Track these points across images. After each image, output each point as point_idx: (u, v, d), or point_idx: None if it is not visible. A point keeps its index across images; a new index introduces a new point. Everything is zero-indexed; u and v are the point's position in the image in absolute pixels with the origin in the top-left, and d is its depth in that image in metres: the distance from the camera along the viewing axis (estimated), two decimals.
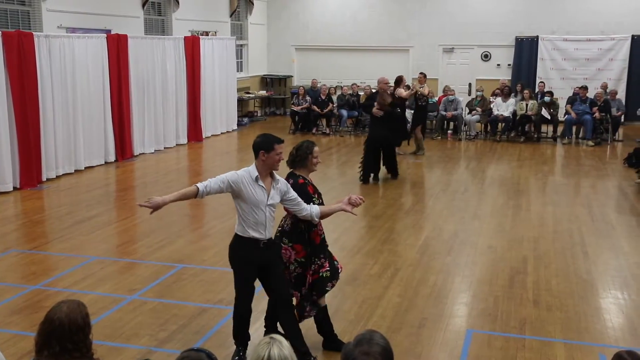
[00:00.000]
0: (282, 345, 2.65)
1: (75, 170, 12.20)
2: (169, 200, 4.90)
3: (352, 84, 18.51)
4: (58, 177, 11.73)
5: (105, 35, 12.99)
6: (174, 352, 5.23)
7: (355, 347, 2.61)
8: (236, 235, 5.00)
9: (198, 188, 4.90)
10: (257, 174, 4.92)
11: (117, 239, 8.45)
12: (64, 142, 11.94)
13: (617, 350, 3.19)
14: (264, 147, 4.94)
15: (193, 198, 5.02)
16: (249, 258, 4.94)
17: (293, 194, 5.01)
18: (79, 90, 12.24)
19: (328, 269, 5.23)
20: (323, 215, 5.14)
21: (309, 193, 5.19)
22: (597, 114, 15.82)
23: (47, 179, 11.45)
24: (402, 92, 12.20)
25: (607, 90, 16.81)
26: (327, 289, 5.27)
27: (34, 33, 11.19)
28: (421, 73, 15.09)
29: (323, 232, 5.35)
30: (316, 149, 5.31)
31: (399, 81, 12.42)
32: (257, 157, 4.95)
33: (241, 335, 5.15)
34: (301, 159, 5.27)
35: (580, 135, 16.28)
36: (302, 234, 5.20)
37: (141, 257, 7.65)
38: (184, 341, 5.48)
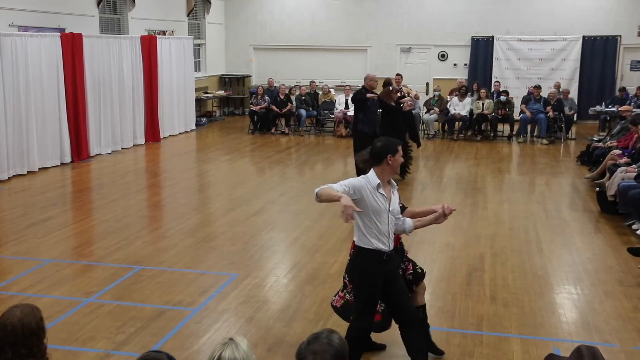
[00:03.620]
0: (238, 349, 2.63)
1: (28, 172, 11.94)
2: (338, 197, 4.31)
3: (311, 82, 18.54)
4: (10, 178, 11.47)
5: (59, 34, 12.75)
6: (132, 355, 5.18)
7: (308, 344, 2.59)
8: (358, 247, 4.62)
9: (337, 191, 4.38)
10: (378, 181, 4.50)
11: (73, 241, 8.30)
12: (16, 143, 11.67)
13: (573, 345, 3.27)
14: (390, 150, 4.52)
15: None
16: (372, 270, 4.58)
17: (397, 203, 4.72)
18: (32, 90, 11.99)
19: (411, 271, 5.21)
20: (415, 229, 4.84)
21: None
22: (550, 113, 16.16)
23: (0, 181, 11.19)
24: (408, 103, 11.96)
25: (560, 90, 17.18)
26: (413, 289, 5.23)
27: None
28: (398, 74, 15.30)
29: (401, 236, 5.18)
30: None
31: (390, 83, 12.23)
32: (380, 163, 4.52)
33: (359, 351, 4.82)
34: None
35: (535, 133, 16.60)
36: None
37: (98, 259, 7.53)
38: (142, 344, 5.42)
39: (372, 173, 4.56)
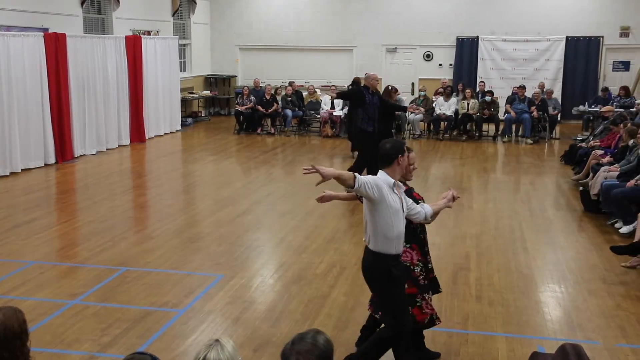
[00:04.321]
0: (223, 350, 2.63)
1: (10, 173, 11.84)
2: (335, 174, 4.29)
3: (290, 82, 18.53)
4: None
5: (42, 34, 12.65)
6: (117, 357, 5.16)
7: (293, 344, 2.58)
8: (375, 253, 4.51)
9: (356, 176, 4.26)
10: (393, 180, 4.45)
11: (57, 243, 8.25)
12: None
13: (557, 343, 3.29)
14: (400, 150, 4.50)
15: (347, 188, 4.39)
16: (393, 273, 4.50)
17: (408, 198, 4.70)
18: (14, 90, 11.89)
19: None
20: (434, 215, 4.81)
21: (416, 199, 4.86)
22: (535, 113, 16.26)
23: None
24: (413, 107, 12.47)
25: (544, 90, 17.30)
26: (439, 289, 5.25)
27: None
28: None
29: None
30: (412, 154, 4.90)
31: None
32: (391, 164, 4.47)
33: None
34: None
35: (520, 133, 16.70)
36: (416, 235, 4.97)
37: (83, 261, 7.48)
38: (127, 345, 5.39)
39: (383, 174, 4.48)
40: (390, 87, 12.45)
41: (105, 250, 7.86)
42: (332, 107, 17.17)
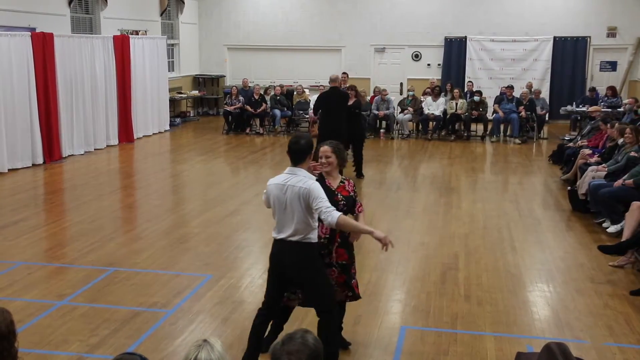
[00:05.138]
0: (213, 350, 2.63)
1: None
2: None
3: (280, 85, 18.51)
4: None
5: (29, 33, 12.57)
6: (106, 358, 5.14)
7: (283, 345, 2.58)
8: (312, 244, 4.70)
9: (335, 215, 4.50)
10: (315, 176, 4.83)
11: (45, 243, 8.20)
12: None
13: (545, 342, 3.31)
14: (312, 146, 4.79)
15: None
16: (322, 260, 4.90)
17: (321, 197, 4.77)
18: (1, 90, 11.83)
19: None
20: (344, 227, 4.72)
21: (330, 189, 5.06)
22: (523, 113, 16.33)
23: None
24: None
25: (532, 90, 17.38)
26: None
27: None
28: (344, 73, 15.43)
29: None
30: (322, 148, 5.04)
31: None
32: (304, 160, 4.71)
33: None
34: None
35: (508, 133, 16.77)
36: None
37: (71, 261, 7.44)
38: (116, 346, 5.37)
39: (305, 172, 4.67)
40: (355, 87, 12.77)
41: (94, 250, 7.82)
42: None
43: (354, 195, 5.14)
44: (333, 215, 4.49)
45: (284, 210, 4.65)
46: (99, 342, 5.46)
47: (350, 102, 11.88)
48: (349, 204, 5.03)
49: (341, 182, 5.09)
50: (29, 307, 6.12)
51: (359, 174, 12.12)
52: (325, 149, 5.01)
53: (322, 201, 4.52)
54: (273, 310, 4.96)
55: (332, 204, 4.60)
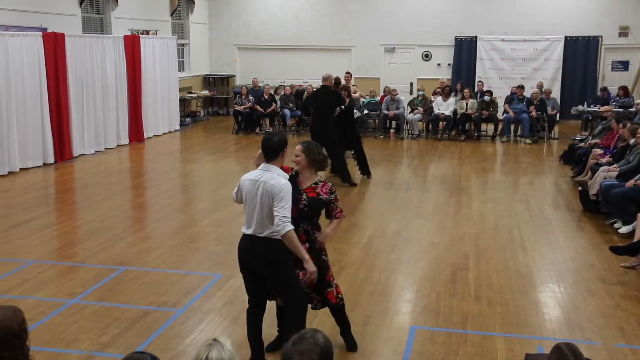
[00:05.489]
0: (223, 349, 2.63)
1: (9, 172, 11.83)
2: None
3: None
4: None
5: (41, 33, 12.64)
6: (116, 356, 5.15)
7: (293, 345, 2.58)
8: (280, 241, 4.66)
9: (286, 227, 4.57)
10: (287, 175, 4.88)
11: (56, 242, 8.24)
12: None
13: (556, 342, 3.29)
14: (285, 144, 4.84)
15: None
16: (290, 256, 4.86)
17: (283, 201, 4.81)
18: (13, 90, 11.88)
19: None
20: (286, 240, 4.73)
21: (300, 187, 5.10)
22: (533, 113, 16.27)
23: None
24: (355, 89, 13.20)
25: (543, 90, 17.30)
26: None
27: None
28: (348, 72, 15.51)
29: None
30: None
31: (339, 82, 12.83)
32: (277, 157, 4.78)
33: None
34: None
35: (518, 133, 16.70)
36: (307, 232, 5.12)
37: (82, 260, 7.48)
38: (126, 345, 5.39)
39: (278, 169, 4.74)
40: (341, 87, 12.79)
41: (104, 249, 7.85)
42: None
43: (327, 199, 5.08)
44: (284, 227, 4.55)
45: (255, 205, 4.69)
46: (110, 340, 5.49)
47: (346, 102, 11.99)
48: (312, 206, 5.00)
49: (315, 183, 5.07)
50: (40, 306, 6.15)
51: (365, 174, 12.05)
52: (297, 147, 5.09)
53: (282, 208, 4.55)
54: (258, 307, 4.98)
55: (293, 202, 4.70)
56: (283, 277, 4.79)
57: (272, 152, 4.75)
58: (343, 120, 11.73)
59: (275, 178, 4.66)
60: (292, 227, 4.59)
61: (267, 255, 4.71)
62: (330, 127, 11.31)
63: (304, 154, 5.03)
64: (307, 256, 4.73)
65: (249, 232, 4.76)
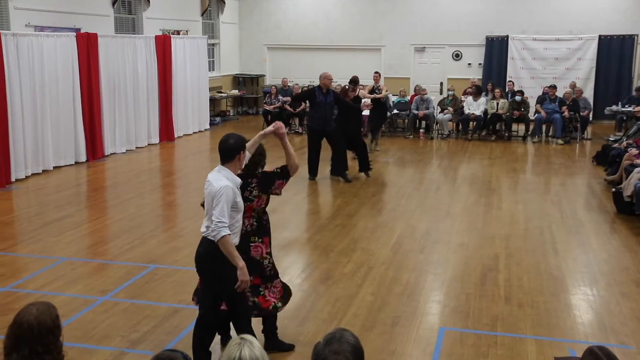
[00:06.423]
0: (253, 346, 2.64)
1: (43, 171, 12.01)
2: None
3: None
4: (27, 177, 11.55)
5: (74, 34, 12.83)
6: (146, 353, 5.20)
7: (325, 346, 2.59)
8: (214, 243, 4.55)
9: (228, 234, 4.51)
10: (240, 180, 4.79)
11: (88, 240, 8.35)
12: (33, 142, 11.76)
13: (588, 346, 3.24)
14: (242, 147, 4.82)
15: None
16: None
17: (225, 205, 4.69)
18: (47, 89, 12.07)
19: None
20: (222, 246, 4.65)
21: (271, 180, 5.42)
22: (566, 113, 16.04)
23: (16, 180, 11.28)
24: (364, 93, 13.25)
25: (574, 89, 17.05)
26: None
27: (1, 32, 11.00)
28: (376, 72, 15.50)
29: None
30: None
31: (357, 81, 13.09)
32: (232, 160, 4.71)
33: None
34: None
35: (550, 133, 16.49)
36: (267, 229, 5.25)
37: (113, 258, 7.57)
38: (156, 342, 5.43)
39: (229, 172, 4.65)
40: (347, 86, 12.79)
41: (135, 247, 7.93)
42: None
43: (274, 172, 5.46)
44: (219, 231, 4.48)
45: (206, 205, 4.70)
46: (140, 337, 5.54)
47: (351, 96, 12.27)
48: (263, 180, 5.33)
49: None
50: (72, 302, 6.24)
51: (362, 170, 12.10)
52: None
53: (219, 212, 4.48)
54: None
55: (246, 200, 4.93)
56: (216, 277, 4.74)
57: (226, 154, 4.70)
58: (343, 121, 12.00)
59: (218, 180, 4.57)
60: (227, 232, 4.50)
61: (205, 255, 4.69)
62: (328, 124, 11.62)
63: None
64: (241, 263, 4.58)
65: (202, 230, 4.75)
